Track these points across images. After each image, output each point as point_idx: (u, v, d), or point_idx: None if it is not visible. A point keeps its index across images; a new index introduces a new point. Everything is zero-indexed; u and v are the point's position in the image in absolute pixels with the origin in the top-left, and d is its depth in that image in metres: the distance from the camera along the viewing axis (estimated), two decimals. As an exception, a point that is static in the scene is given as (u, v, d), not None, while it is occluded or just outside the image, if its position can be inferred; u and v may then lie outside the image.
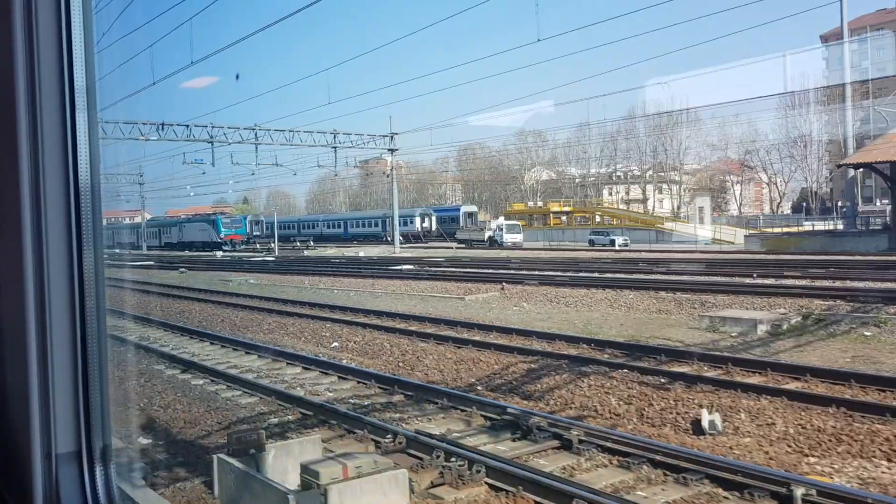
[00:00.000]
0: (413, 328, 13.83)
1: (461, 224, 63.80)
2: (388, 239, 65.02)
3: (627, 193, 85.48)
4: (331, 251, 55.35)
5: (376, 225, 71.55)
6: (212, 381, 9.74)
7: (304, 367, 10.44)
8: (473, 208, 68.84)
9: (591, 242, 51.87)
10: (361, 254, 45.67)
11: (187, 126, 36.34)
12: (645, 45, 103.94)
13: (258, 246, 63.12)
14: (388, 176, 46.41)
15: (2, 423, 1.61)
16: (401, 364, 11.01)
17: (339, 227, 76.45)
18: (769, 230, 47.28)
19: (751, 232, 46.18)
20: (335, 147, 41.39)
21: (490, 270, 27.80)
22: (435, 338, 12.21)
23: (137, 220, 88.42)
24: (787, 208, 77.81)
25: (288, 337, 13.96)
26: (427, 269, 30.14)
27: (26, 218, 1.46)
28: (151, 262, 41.64)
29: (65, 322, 1.50)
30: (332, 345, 12.84)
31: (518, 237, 52.67)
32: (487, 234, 53.71)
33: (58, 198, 1.48)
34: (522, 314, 16.67)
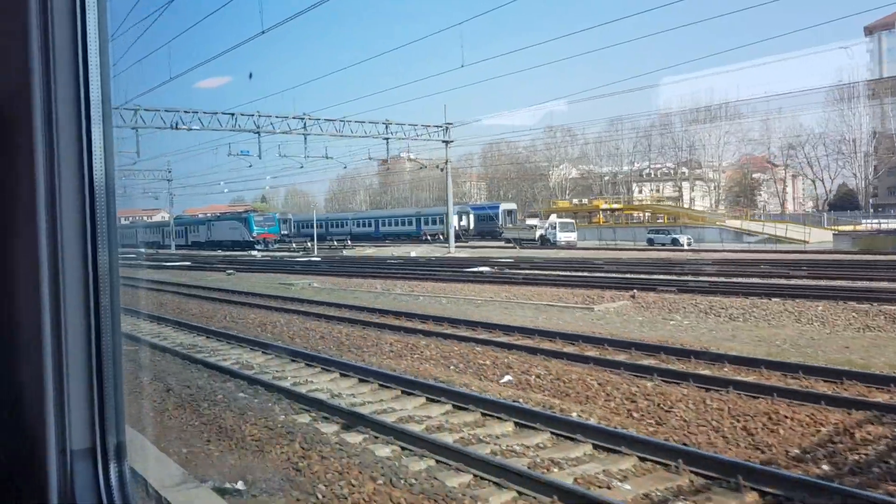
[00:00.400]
0: (589, 353, 10.67)
1: (500, 222, 60.67)
2: (426, 238, 61.98)
3: (660, 191, 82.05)
4: (371, 251, 52.14)
5: (410, 223, 68.75)
6: (402, 448, 6.55)
7: (517, 423, 7.22)
8: (513, 206, 65.73)
9: (650, 241, 48.63)
10: (413, 254, 42.47)
11: (232, 115, 33.31)
12: (676, 42, 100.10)
13: (294, 245, 60.07)
14: (441, 170, 43.32)
15: (17, 419, 1.49)
16: (634, 415, 7.80)
17: (369, 225, 73.65)
18: (855, 228, 43.79)
19: (839, 230, 42.68)
20: (387, 138, 38.30)
21: (586, 273, 24.60)
22: (659, 372, 8.97)
23: (156, 218, 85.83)
24: (810, 207, 74.56)
25: (429, 364, 10.76)
26: (507, 272, 26.94)
27: (42, 218, 1.42)
28: (188, 263, 38.60)
29: (79, 319, 1.45)
30: (504, 378, 9.64)
31: (572, 236, 49.36)
32: (539, 232, 50.30)
33: (72, 197, 1.44)
34: (690, 331, 13.44)
